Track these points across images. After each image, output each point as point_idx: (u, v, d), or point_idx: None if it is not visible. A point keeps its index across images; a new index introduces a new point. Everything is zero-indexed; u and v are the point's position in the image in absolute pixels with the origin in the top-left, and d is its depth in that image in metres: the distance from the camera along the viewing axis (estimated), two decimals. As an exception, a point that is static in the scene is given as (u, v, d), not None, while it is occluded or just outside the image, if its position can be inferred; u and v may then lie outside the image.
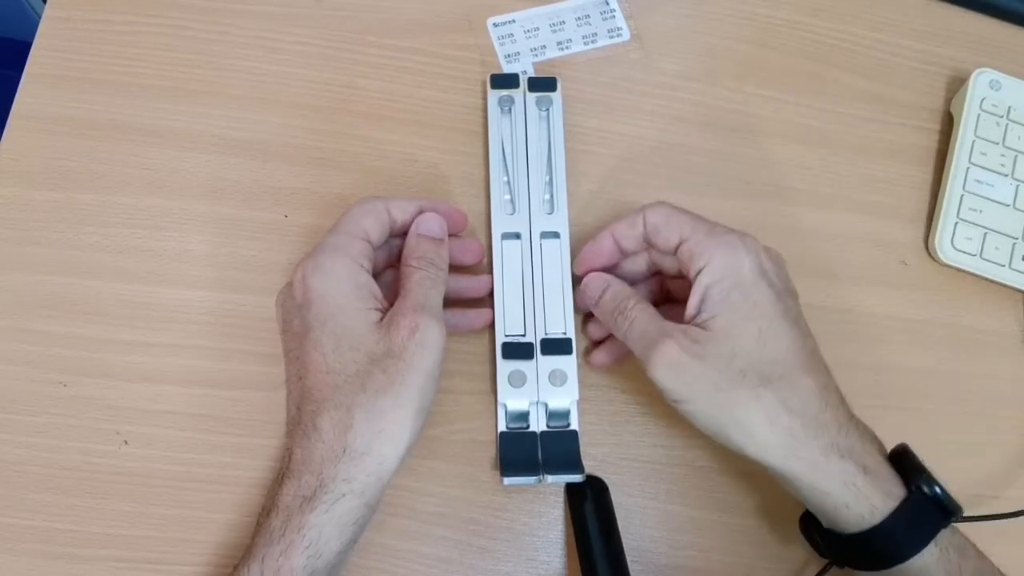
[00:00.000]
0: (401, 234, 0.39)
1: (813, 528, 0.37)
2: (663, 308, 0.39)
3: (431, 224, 0.39)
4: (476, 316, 0.42)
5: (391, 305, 0.36)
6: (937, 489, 0.33)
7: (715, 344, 0.34)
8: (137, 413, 0.40)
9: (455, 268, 0.40)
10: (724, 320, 0.35)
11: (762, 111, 0.48)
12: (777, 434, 0.33)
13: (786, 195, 0.47)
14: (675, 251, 0.38)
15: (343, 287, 0.35)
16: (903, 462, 0.35)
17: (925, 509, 0.33)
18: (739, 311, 0.35)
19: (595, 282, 0.39)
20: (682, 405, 0.35)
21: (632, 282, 0.40)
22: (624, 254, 0.40)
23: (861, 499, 0.33)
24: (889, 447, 0.36)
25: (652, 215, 0.38)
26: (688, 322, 0.36)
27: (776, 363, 0.34)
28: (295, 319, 0.36)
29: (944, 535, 0.33)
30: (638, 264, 0.41)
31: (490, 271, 0.43)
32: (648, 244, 0.39)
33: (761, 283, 0.35)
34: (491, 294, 0.42)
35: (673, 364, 0.34)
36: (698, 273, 0.36)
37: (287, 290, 0.37)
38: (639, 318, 0.37)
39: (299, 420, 0.34)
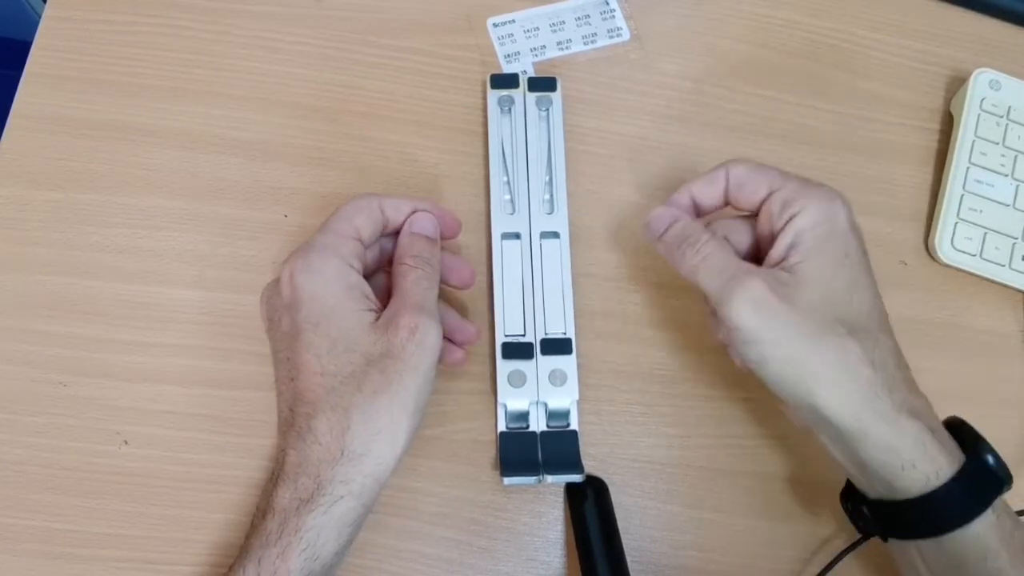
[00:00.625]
0: (393, 233, 0.39)
1: (859, 501, 0.37)
2: None
3: (425, 223, 0.38)
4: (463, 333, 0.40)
5: (383, 305, 0.36)
6: (993, 457, 0.33)
7: (804, 289, 0.33)
8: (137, 413, 0.40)
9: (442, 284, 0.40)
10: (815, 266, 0.34)
11: (762, 111, 0.48)
12: (857, 386, 0.33)
13: (786, 195, 0.47)
14: (760, 204, 0.37)
15: (334, 288, 0.35)
16: (959, 431, 0.35)
17: (984, 475, 0.33)
18: (831, 259, 0.34)
19: (662, 215, 0.38)
20: (758, 347, 0.33)
21: None
22: (701, 213, 0.39)
23: (928, 460, 0.33)
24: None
25: (736, 169, 0.37)
26: (772, 266, 0.35)
27: (861, 316, 0.34)
28: (283, 318, 0.35)
29: (999, 502, 0.33)
30: None
31: (490, 271, 0.43)
32: (727, 202, 0.38)
33: (852, 236, 0.35)
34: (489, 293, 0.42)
35: (759, 302, 0.33)
36: (791, 219, 0.35)
37: (274, 287, 0.37)
38: (714, 254, 0.35)
39: (292, 422, 0.34)
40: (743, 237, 0.38)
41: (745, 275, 0.34)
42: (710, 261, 0.35)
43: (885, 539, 0.36)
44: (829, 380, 0.33)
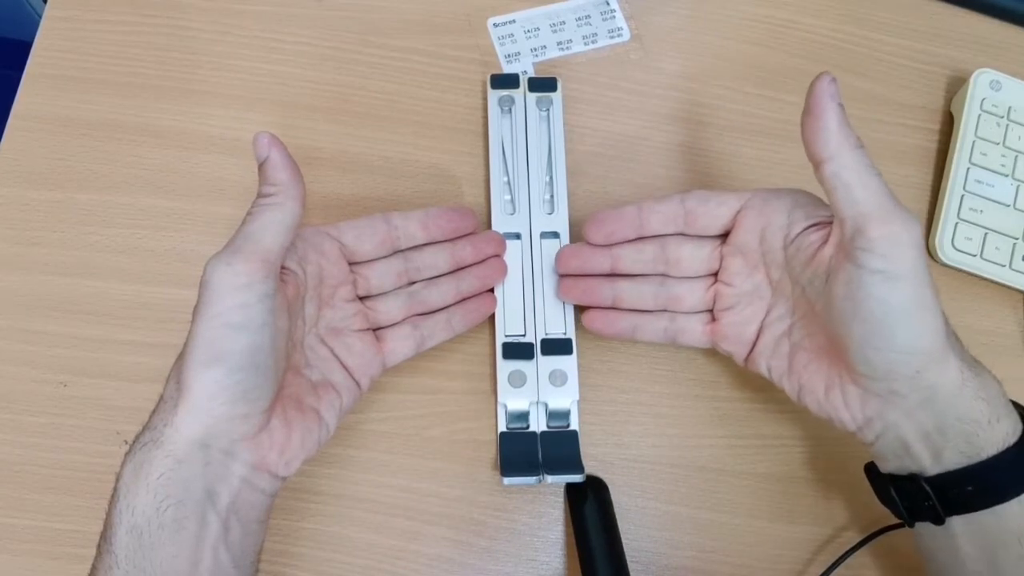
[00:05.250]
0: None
1: (907, 480, 0.35)
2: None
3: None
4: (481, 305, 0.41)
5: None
6: None
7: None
8: (137, 413, 0.39)
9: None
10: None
11: (762, 111, 0.48)
12: (954, 342, 0.34)
13: (786, 195, 0.47)
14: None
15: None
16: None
17: None
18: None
19: None
20: (895, 284, 0.32)
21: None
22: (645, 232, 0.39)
23: (1009, 412, 0.33)
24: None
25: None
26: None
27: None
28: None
29: None
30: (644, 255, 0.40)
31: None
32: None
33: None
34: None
35: (919, 242, 0.32)
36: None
37: None
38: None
39: None
40: None
41: (905, 212, 0.32)
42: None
43: (912, 525, 0.36)
44: (933, 329, 0.33)
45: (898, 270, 0.32)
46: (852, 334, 0.33)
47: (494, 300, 0.42)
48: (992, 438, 0.33)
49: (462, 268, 0.41)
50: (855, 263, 0.32)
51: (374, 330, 0.39)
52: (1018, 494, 0.32)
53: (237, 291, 0.31)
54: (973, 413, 0.33)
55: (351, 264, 0.38)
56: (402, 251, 0.39)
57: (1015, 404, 0.34)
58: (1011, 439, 0.33)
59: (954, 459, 0.34)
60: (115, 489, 0.30)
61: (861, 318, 0.32)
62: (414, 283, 0.40)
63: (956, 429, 0.33)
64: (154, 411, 0.32)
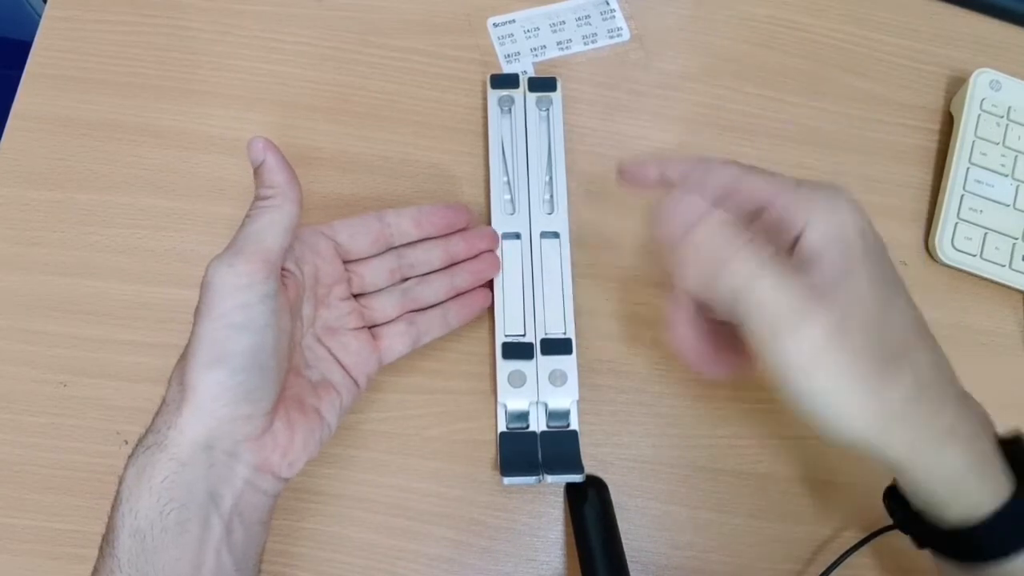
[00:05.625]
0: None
1: (910, 520, 0.34)
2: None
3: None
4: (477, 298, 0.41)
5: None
6: None
7: (846, 325, 0.29)
8: (137, 413, 0.39)
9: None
10: (844, 295, 0.29)
11: (762, 111, 0.48)
12: (908, 423, 0.30)
13: (786, 195, 0.47)
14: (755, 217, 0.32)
15: None
16: (1016, 450, 0.32)
17: None
18: (857, 279, 0.30)
19: (684, 206, 0.32)
20: (805, 396, 0.30)
21: None
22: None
23: (968, 493, 0.31)
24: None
25: (720, 174, 0.32)
26: None
27: (897, 334, 0.30)
28: None
29: None
30: None
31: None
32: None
33: (870, 240, 0.31)
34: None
35: (817, 352, 0.29)
36: (796, 242, 0.31)
37: None
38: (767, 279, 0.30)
39: None
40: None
41: (802, 319, 0.29)
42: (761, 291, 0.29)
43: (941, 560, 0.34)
44: (881, 420, 0.29)
45: (815, 388, 0.29)
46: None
47: (488, 295, 0.42)
48: (954, 513, 0.31)
49: (455, 264, 0.41)
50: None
51: (370, 328, 0.39)
52: (1005, 555, 0.31)
53: (239, 291, 0.31)
54: (929, 489, 0.31)
55: (345, 262, 0.38)
56: (395, 248, 0.40)
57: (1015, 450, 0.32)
58: (978, 513, 0.30)
59: (931, 517, 0.32)
60: (117, 492, 0.30)
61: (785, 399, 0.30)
62: (408, 280, 0.40)
63: (919, 495, 0.32)
64: (156, 414, 0.32)
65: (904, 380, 0.30)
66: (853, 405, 0.29)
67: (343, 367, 0.37)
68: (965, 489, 0.31)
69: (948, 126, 0.49)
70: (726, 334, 0.33)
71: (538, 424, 0.40)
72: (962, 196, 0.46)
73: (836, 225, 0.30)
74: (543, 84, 0.45)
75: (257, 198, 0.34)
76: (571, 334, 0.41)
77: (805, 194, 0.31)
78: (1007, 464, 0.32)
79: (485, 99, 0.46)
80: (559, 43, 0.48)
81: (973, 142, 0.47)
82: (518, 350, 0.41)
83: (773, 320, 0.29)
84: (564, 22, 0.49)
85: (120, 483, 0.30)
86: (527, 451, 0.40)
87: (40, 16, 0.46)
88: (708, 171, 0.33)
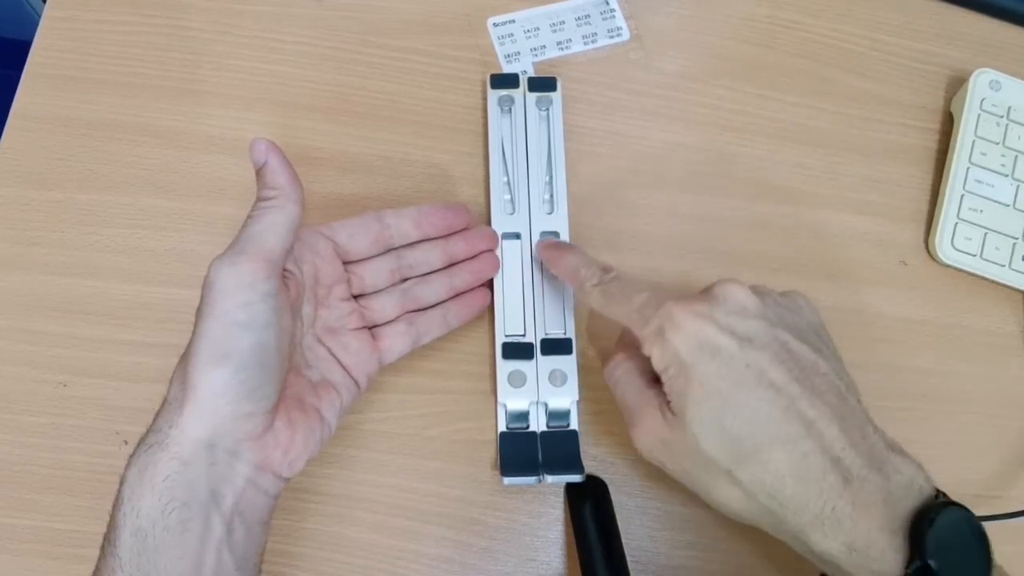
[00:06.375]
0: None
1: None
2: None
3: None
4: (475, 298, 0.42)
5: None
6: (938, 562, 0.29)
7: (688, 436, 0.32)
8: (137, 413, 0.39)
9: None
10: (680, 407, 0.32)
11: (762, 111, 0.48)
12: (759, 511, 0.32)
13: (786, 195, 0.47)
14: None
15: None
16: (920, 525, 0.30)
17: None
18: (689, 397, 0.32)
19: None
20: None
21: None
22: None
23: (860, 568, 0.31)
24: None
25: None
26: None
27: (743, 441, 0.31)
28: None
29: None
30: None
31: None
32: None
33: (704, 358, 0.32)
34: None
35: (653, 449, 0.35)
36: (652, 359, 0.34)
37: None
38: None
39: None
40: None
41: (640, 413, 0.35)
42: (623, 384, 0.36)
43: None
44: (732, 510, 0.33)
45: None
46: None
47: (488, 294, 0.42)
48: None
49: (455, 264, 0.41)
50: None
51: (369, 328, 0.39)
52: None
53: (241, 290, 0.31)
54: (832, 569, 0.32)
55: (345, 263, 0.38)
56: (395, 249, 0.40)
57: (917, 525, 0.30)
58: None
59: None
60: (119, 491, 0.30)
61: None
62: (407, 280, 0.40)
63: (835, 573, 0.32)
64: (158, 413, 0.32)
65: (743, 479, 0.32)
66: (721, 494, 0.33)
67: (343, 367, 0.37)
68: (855, 564, 0.31)
69: (948, 126, 0.49)
70: None
71: (538, 424, 0.40)
72: (962, 196, 0.46)
73: (669, 352, 0.33)
74: (543, 84, 0.45)
75: (259, 199, 0.34)
76: (571, 334, 0.41)
77: (650, 329, 0.34)
78: (906, 536, 0.30)
79: (485, 99, 0.46)
80: (559, 43, 0.48)
81: (973, 142, 0.47)
82: (518, 350, 0.41)
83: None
84: (564, 22, 0.49)
85: (122, 482, 0.31)
86: (527, 451, 0.40)
87: (40, 16, 0.46)
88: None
